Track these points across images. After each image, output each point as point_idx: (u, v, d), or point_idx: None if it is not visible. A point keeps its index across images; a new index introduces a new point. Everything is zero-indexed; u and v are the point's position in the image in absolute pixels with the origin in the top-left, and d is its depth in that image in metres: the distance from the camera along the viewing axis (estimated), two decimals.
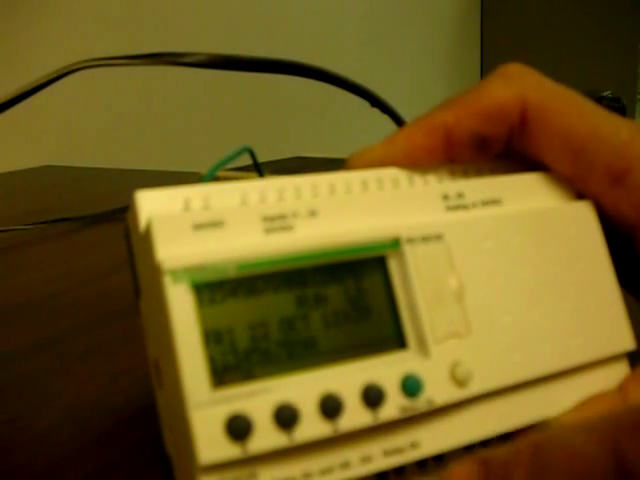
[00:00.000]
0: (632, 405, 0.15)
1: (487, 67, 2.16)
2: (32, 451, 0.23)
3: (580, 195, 0.22)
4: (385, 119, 0.47)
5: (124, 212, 0.19)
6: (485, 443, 0.20)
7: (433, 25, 1.94)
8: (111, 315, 0.35)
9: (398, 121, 0.47)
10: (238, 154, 0.30)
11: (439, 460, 0.19)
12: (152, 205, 0.18)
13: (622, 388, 0.20)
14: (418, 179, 0.21)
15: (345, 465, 0.17)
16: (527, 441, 0.16)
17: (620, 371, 0.21)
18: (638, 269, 0.23)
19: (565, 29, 2.07)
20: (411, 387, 0.18)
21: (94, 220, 0.57)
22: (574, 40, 2.06)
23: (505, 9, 2.15)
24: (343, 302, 0.18)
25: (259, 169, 0.39)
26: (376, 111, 0.46)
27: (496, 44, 2.16)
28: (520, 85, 0.21)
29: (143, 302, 0.19)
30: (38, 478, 0.22)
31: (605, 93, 0.95)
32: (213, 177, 0.29)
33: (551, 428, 0.16)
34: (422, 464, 0.19)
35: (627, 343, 0.21)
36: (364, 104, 0.46)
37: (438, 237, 0.19)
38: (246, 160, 0.38)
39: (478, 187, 0.21)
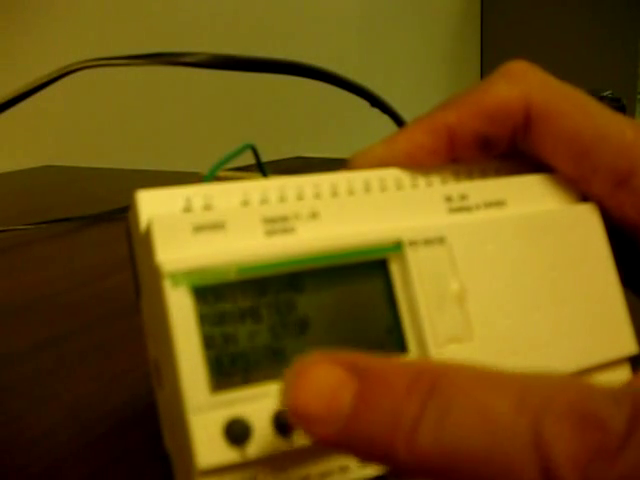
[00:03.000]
0: (551, 378, 0.13)
1: (487, 67, 2.16)
2: (32, 451, 0.23)
3: (584, 197, 0.22)
4: (385, 119, 0.47)
5: (124, 212, 0.19)
6: None
7: (433, 25, 1.94)
8: (111, 315, 0.35)
9: (398, 121, 0.47)
10: (240, 151, 0.30)
11: None
12: (152, 205, 0.18)
13: None
14: (421, 180, 0.21)
15: (344, 469, 0.17)
16: (427, 370, 0.13)
17: (622, 375, 0.21)
18: None
19: (565, 29, 2.07)
20: None
21: (94, 220, 0.57)
22: (574, 40, 2.06)
23: (505, 9, 2.15)
24: (344, 305, 0.18)
25: (262, 167, 0.39)
26: (376, 111, 0.46)
27: (496, 44, 2.15)
28: (524, 84, 0.21)
29: (143, 302, 0.19)
30: (38, 478, 0.22)
31: (605, 93, 0.95)
32: (214, 176, 0.29)
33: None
34: None
35: (630, 347, 0.21)
36: (364, 104, 0.46)
37: (440, 240, 0.19)
38: (247, 160, 0.38)
39: (481, 189, 0.21)
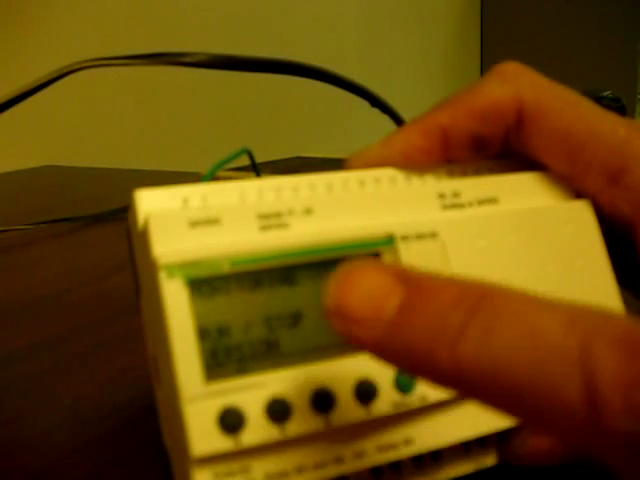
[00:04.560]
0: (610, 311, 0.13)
1: (487, 67, 2.16)
2: (32, 451, 0.23)
3: (578, 195, 0.22)
4: (385, 119, 0.47)
5: (124, 212, 0.19)
6: (481, 440, 0.20)
7: (433, 25, 1.94)
8: (111, 315, 0.35)
9: (398, 121, 0.47)
10: (237, 155, 0.30)
11: (435, 456, 0.19)
12: (151, 204, 0.18)
13: None
14: (415, 179, 0.21)
15: (339, 460, 0.17)
16: (476, 286, 0.13)
17: None
18: (637, 267, 0.23)
19: (565, 29, 2.07)
20: (404, 383, 0.18)
21: (94, 220, 0.57)
22: (574, 40, 2.06)
23: (505, 9, 2.15)
24: None
25: (256, 169, 0.39)
26: (376, 111, 0.46)
27: (496, 44, 2.16)
28: (516, 84, 0.22)
29: (143, 300, 0.19)
30: (38, 478, 0.22)
31: (605, 93, 0.95)
32: (213, 177, 0.30)
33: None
34: (418, 460, 0.19)
35: None
36: (364, 104, 0.46)
37: (432, 235, 0.19)
38: (246, 160, 0.38)
39: (475, 186, 0.21)
